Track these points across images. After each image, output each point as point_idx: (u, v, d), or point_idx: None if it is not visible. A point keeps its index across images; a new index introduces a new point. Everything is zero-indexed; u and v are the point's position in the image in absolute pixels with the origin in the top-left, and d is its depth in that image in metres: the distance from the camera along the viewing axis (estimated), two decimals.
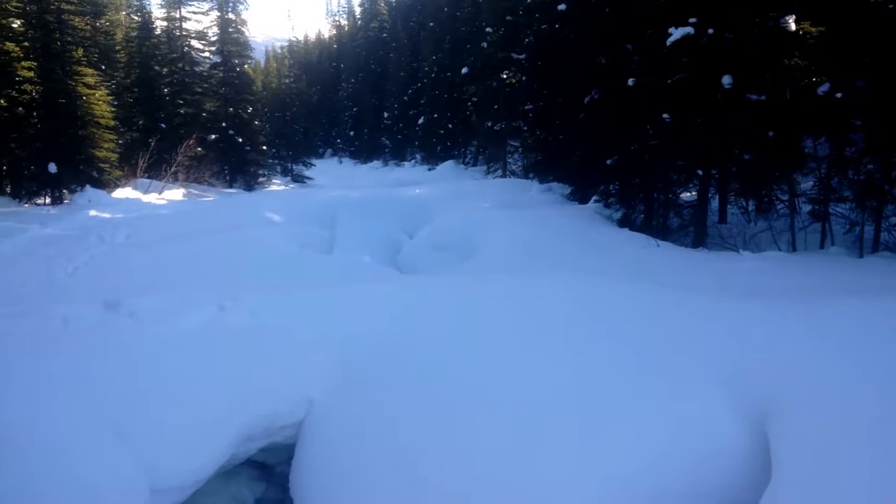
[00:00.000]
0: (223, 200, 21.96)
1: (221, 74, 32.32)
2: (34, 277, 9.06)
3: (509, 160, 27.83)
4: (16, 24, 18.79)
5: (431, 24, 42.51)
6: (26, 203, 18.43)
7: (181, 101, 31.11)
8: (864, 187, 9.11)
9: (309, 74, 63.98)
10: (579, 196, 16.43)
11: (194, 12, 32.52)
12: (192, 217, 15.52)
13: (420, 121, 41.98)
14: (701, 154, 10.94)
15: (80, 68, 19.27)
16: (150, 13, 33.45)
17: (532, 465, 3.89)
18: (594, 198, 14.90)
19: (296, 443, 5.09)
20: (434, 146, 39.72)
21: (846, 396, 3.63)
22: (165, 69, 31.87)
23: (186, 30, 32.40)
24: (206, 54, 33.23)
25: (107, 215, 15.54)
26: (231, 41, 32.20)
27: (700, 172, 11.20)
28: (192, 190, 25.27)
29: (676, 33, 10.43)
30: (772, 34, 9.96)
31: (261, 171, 33.72)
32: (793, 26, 9.72)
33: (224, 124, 31.36)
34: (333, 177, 41.18)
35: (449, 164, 34.61)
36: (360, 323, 5.98)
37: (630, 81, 11.98)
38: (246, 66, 34.34)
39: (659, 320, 5.25)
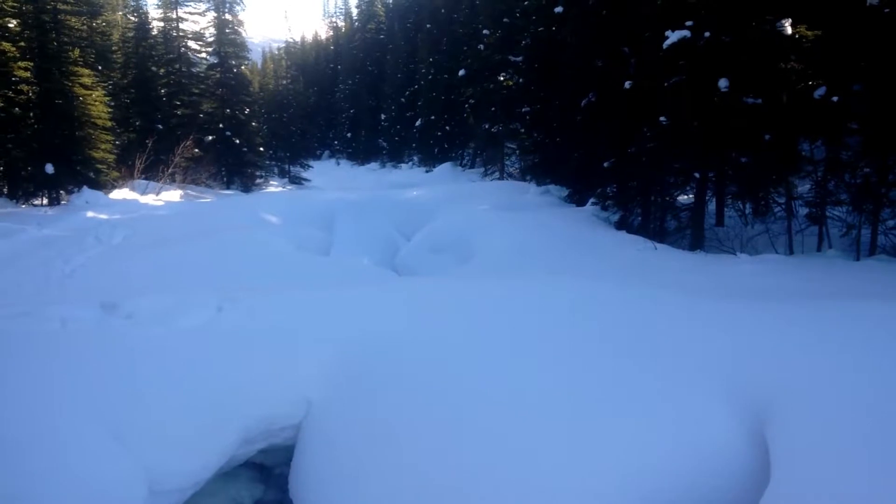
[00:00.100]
0: (220, 202, 21.94)
1: (218, 75, 32.32)
2: (31, 279, 9.05)
3: (507, 162, 27.86)
4: (12, 23, 18.77)
5: (428, 25, 42.54)
6: (23, 204, 18.41)
7: (178, 102, 31.10)
8: (861, 190, 9.15)
9: (306, 76, 63.95)
10: (577, 198, 16.47)
11: (191, 13, 32.51)
12: (189, 218, 15.51)
13: (417, 123, 42.00)
14: (698, 157, 10.97)
15: (76, 69, 19.26)
16: (146, 14, 33.44)
17: (530, 466, 3.90)
18: (591, 200, 14.93)
19: (295, 444, 5.09)
20: (431, 148, 39.75)
21: (844, 399, 3.65)
22: (162, 70, 31.84)
23: (183, 30, 32.39)
24: (203, 55, 33.22)
25: (104, 216, 15.52)
26: (228, 42, 32.20)
27: (697, 175, 11.23)
28: (189, 191, 25.25)
29: (673, 36, 10.46)
30: (768, 38, 10.00)
31: (258, 173, 33.73)
32: (789, 30, 9.76)
33: (221, 125, 31.35)
34: (331, 178, 41.19)
35: (446, 166, 34.63)
36: (358, 325, 5.98)
37: (627, 84, 12.03)
38: (243, 67, 34.33)
39: (656, 323, 5.26)
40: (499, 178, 27.04)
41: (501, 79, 25.52)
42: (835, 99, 9.01)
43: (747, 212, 12.56)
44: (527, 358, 5.01)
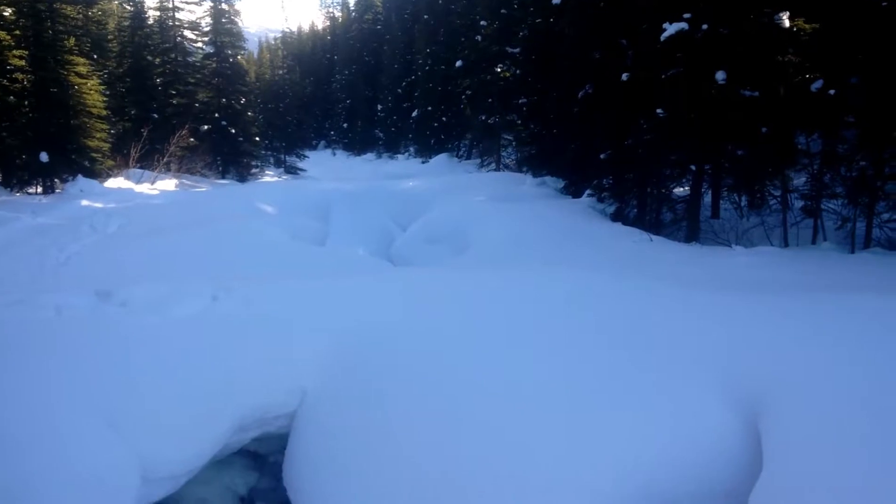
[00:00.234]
0: (216, 191, 21.89)
1: (214, 65, 32.22)
2: (26, 267, 9.03)
3: (503, 154, 27.84)
4: (7, 12, 18.66)
5: (426, 16, 42.41)
6: (18, 192, 18.36)
7: (174, 92, 30.99)
8: (857, 184, 9.16)
9: (302, 66, 63.81)
10: (573, 190, 16.46)
11: (187, 2, 32.36)
12: (184, 207, 15.47)
13: (414, 114, 41.93)
14: (694, 149, 10.97)
15: (71, 57, 19.17)
16: (142, 3, 33.33)
17: (525, 457, 3.90)
18: (587, 192, 14.93)
19: (289, 433, 5.09)
20: (428, 139, 39.70)
21: (838, 392, 3.66)
22: (158, 59, 31.71)
23: (179, 20, 32.24)
24: (199, 44, 33.10)
25: (99, 205, 15.47)
26: (224, 31, 32.09)
27: (693, 167, 11.23)
28: (184, 180, 25.19)
29: (671, 28, 10.44)
30: (766, 30, 9.99)
31: (254, 163, 33.67)
32: (787, 23, 9.76)
33: (217, 115, 31.26)
34: (327, 169, 41.11)
35: (443, 157, 34.58)
36: (353, 314, 5.97)
37: (624, 76, 12.01)
38: (239, 57, 34.20)
39: (651, 314, 5.27)
40: (495, 170, 27.02)
41: (498, 70, 25.49)
42: (832, 92, 9.01)
43: (743, 204, 12.59)
44: (522, 349, 5.01)
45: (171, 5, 32.09)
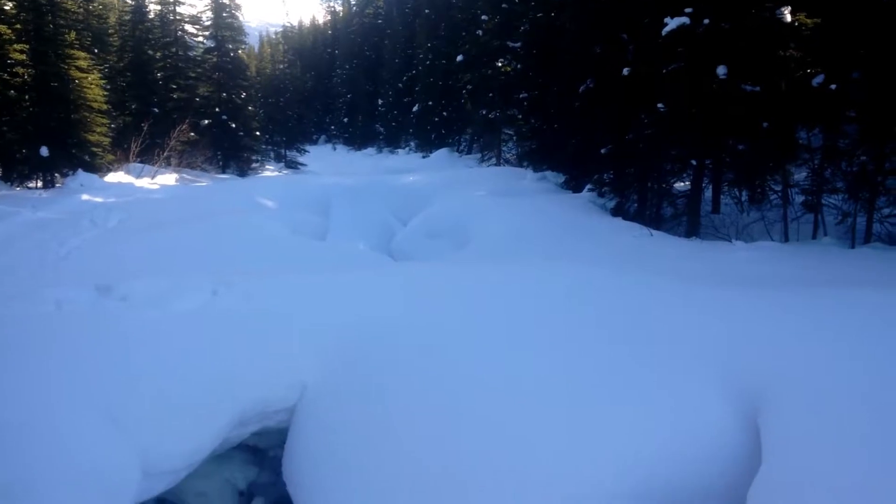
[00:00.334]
0: (216, 185, 21.89)
1: (215, 59, 32.16)
2: (26, 261, 9.03)
3: (504, 148, 27.81)
4: (8, 6, 18.61)
5: (427, 10, 42.31)
6: (18, 187, 18.34)
7: (174, 86, 30.95)
8: (857, 178, 9.16)
9: (303, 60, 63.70)
10: (573, 185, 16.46)
11: None
12: (184, 202, 15.45)
13: (414, 108, 41.86)
14: (695, 144, 10.95)
15: (72, 51, 19.13)
16: None
17: (525, 451, 3.91)
18: (588, 187, 14.93)
19: (289, 427, 5.10)
20: (428, 134, 39.63)
21: (837, 387, 3.66)
22: (158, 53, 31.66)
23: (180, 14, 32.16)
24: (200, 39, 33.02)
25: (99, 199, 15.46)
26: (225, 26, 32.01)
27: (694, 162, 11.21)
28: (184, 175, 25.20)
29: (672, 23, 10.43)
30: (768, 25, 9.97)
31: (254, 157, 33.63)
32: (788, 17, 9.74)
33: (217, 109, 31.21)
34: (327, 163, 41.09)
35: (443, 151, 34.53)
36: (353, 309, 5.97)
37: (625, 70, 11.99)
38: (240, 51, 34.13)
39: (652, 309, 5.26)
40: (496, 164, 26.98)
41: (499, 64, 25.44)
42: (833, 87, 8.99)
43: (743, 199, 12.57)
44: (523, 343, 5.01)
45: None
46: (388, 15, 57.50)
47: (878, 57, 8.56)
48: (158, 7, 32.66)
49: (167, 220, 11.99)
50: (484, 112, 26.79)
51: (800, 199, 10.46)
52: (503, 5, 23.91)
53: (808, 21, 9.79)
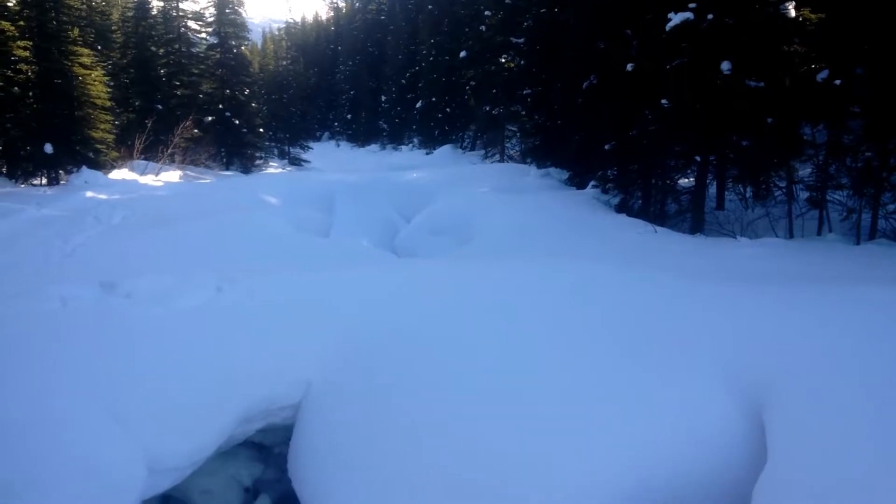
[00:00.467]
0: (220, 183, 21.89)
1: (218, 56, 32.13)
2: (31, 258, 9.04)
3: (507, 145, 27.77)
4: (11, 2, 18.62)
5: (430, 7, 42.22)
6: (22, 184, 18.35)
7: (178, 83, 30.94)
8: (862, 174, 9.13)
9: (306, 57, 63.63)
10: (577, 181, 16.43)
11: None
12: (188, 199, 15.47)
13: (418, 105, 41.82)
14: (699, 140, 10.93)
15: (75, 48, 19.13)
16: None
17: (528, 449, 3.91)
18: (592, 183, 14.90)
19: (294, 424, 5.11)
20: (432, 130, 39.60)
21: (842, 383, 3.65)
22: (162, 50, 31.63)
23: (183, 10, 32.13)
24: (203, 35, 32.98)
25: (103, 196, 15.48)
26: (228, 22, 31.99)
27: (698, 158, 11.19)
28: (188, 172, 25.19)
29: (676, 18, 10.40)
30: (772, 20, 9.94)
31: (258, 154, 33.61)
32: (792, 13, 9.71)
33: (221, 106, 31.19)
34: (331, 160, 41.04)
35: (446, 148, 34.50)
36: (357, 306, 5.98)
37: (629, 66, 11.96)
38: (243, 48, 34.11)
39: (655, 306, 5.26)
40: (499, 161, 26.94)
41: (503, 61, 25.40)
42: (837, 82, 8.96)
43: (748, 195, 12.54)
44: (527, 341, 5.01)
45: None
46: (390, 11, 57.46)
47: (883, 52, 8.53)
48: (161, 3, 32.60)
49: (171, 217, 12.00)
50: (487, 108, 26.76)
51: (804, 195, 10.42)
52: (506, 1, 23.82)
53: (813, 16, 9.76)
